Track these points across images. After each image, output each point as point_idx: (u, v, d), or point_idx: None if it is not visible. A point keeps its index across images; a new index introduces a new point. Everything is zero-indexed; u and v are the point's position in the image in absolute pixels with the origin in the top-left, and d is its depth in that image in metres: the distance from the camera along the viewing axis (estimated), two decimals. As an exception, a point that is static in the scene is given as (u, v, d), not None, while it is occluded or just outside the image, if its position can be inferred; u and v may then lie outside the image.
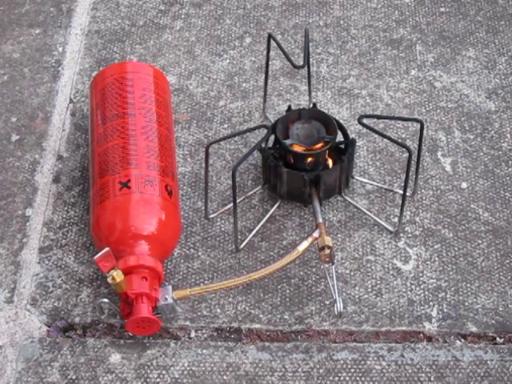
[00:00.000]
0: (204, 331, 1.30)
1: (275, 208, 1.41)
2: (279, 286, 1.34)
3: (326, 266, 1.32)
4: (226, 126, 1.53)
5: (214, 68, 1.61)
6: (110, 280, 1.21)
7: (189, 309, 1.31)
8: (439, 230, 1.40)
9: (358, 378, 1.25)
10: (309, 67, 1.46)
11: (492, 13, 1.69)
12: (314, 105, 1.45)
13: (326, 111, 1.49)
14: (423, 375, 1.25)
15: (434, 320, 1.30)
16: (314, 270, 1.35)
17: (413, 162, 1.36)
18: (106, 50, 1.64)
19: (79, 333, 1.29)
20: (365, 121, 1.33)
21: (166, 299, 1.26)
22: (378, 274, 1.35)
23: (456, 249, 1.38)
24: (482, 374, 1.25)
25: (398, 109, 1.55)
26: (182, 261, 1.36)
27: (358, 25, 1.67)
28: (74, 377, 1.25)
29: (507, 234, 1.39)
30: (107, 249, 1.20)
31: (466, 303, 1.32)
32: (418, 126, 1.34)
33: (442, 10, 1.70)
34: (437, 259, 1.36)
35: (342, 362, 1.26)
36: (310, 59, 1.57)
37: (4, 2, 1.72)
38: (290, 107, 1.43)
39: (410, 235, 1.39)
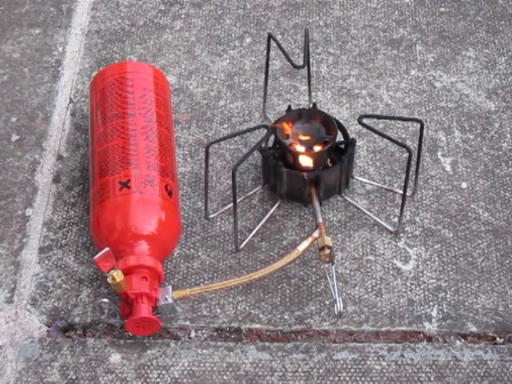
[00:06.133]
0: (204, 331, 1.30)
1: (275, 208, 1.41)
2: (279, 286, 1.34)
3: (326, 265, 1.32)
4: (225, 125, 1.53)
5: (214, 68, 1.61)
6: (109, 280, 1.21)
7: (189, 309, 1.31)
8: (439, 230, 1.40)
9: (357, 378, 1.25)
10: (309, 67, 1.46)
11: (492, 13, 1.69)
12: (314, 105, 1.45)
13: (326, 111, 1.49)
14: (423, 375, 1.25)
15: (434, 320, 1.30)
16: (314, 269, 1.35)
17: (413, 162, 1.36)
18: (106, 50, 1.64)
19: (79, 333, 1.29)
20: (365, 121, 1.33)
21: (166, 299, 1.26)
22: (378, 274, 1.35)
23: (456, 249, 1.38)
24: (481, 374, 1.25)
25: (397, 109, 1.55)
26: (182, 261, 1.36)
27: (358, 25, 1.67)
28: (73, 377, 1.25)
29: (507, 234, 1.39)
30: (107, 249, 1.20)
31: (466, 303, 1.32)
32: (418, 125, 1.34)
33: (442, 9, 1.70)
34: (437, 259, 1.36)
35: (341, 361, 1.26)
36: (310, 59, 1.57)
37: (4, 2, 1.72)
38: (289, 107, 1.43)
39: (410, 235, 1.39)
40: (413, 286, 1.33)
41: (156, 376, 1.25)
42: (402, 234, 1.39)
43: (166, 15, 1.70)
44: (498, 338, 1.29)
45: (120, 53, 1.64)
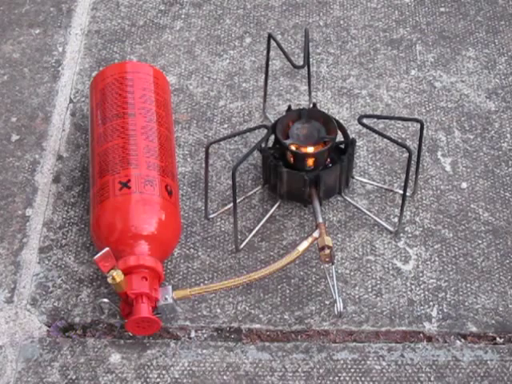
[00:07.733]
0: (204, 331, 1.30)
1: (275, 208, 1.41)
2: (279, 286, 1.34)
3: (326, 265, 1.32)
4: (225, 125, 1.53)
5: (214, 68, 1.61)
6: (110, 280, 1.21)
7: (189, 309, 1.31)
8: (439, 230, 1.40)
9: (357, 378, 1.25)
10: (309, 67, 1.46)
11: (492, 13, 1.69)
12: (314, 105, 1.45)
13: (326, 111, 1.49)
14: (423, 375, 1.25)
15: (434, 320, 1.30)
16: (314, 270, 1.35)
17: (413, 162, 1.36)
18: (106, 50, 1.64)
19: (79, 333, 1.29)
20: (365, 121, 1.33)
21: (166, 299, 1.26)
22: (378, 274, 1.35)
23: (456, 249, 1.38)
24: (482, 374, 1.25)
25: (397, 109, 1.55)
26: (182, 261, 1.36)
27: (358, 25, 1.67)
28: (73, 377, 1.25)
29: (507, 234, 1.39)
30: (107, 249, 1.20)
31: (466, 303, 1.32)
32: (418, 125, 1.34)
33: (442, 9, 1.70)
34: (437, 259, 1.36)
35: (341, 361, 1.26)
36: (310, 59, 1.57)
37: (4, 2, 1.72)
38: (289, 107, 1.43)
39: (410, 235, 1.39)
40: (413, 286, 1.33)
41: (156, 376, 1.25)
42: (402, 234, 1.39)
43: (166, 15, 1.70)
44: (498, 338, 1.29)
45: (120, 53, 1.64)
